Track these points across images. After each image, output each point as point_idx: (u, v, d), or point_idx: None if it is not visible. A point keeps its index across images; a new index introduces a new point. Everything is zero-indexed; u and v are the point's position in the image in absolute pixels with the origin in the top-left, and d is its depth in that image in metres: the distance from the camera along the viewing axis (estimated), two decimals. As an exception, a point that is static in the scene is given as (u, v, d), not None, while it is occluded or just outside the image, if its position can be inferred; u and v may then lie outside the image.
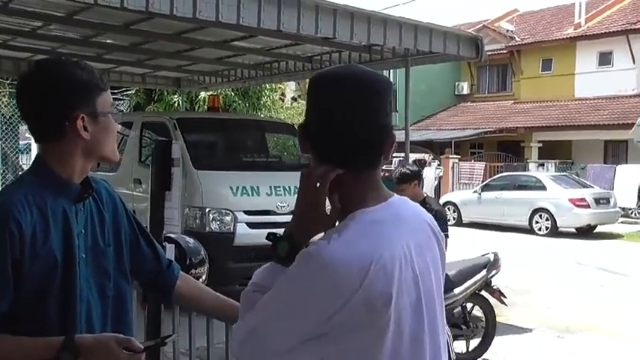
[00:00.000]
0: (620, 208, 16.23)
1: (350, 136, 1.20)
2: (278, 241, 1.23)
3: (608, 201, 15.55)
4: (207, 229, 6.09)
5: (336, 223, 1.23)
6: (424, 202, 4.86)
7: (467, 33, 7.05)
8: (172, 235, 2.49)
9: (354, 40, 6.19)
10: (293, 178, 6.77)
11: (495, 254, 5.52)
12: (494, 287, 5.46)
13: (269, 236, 1.25)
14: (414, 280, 1.20)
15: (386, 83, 1.25)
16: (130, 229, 1.71)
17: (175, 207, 2.19)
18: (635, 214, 16.93)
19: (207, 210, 6.12)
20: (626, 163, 19.76)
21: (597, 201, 15.16)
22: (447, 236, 4.74)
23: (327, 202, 1.24)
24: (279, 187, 6.37)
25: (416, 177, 4.87)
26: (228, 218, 6.15)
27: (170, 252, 2.29)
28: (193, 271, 2.40)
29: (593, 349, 5.98)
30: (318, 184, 1.21)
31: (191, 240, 2.48)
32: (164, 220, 2.26)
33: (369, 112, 1.21)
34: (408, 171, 4.82)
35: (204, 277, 2.42)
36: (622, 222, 16.28)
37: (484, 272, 5.32)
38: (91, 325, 1.55)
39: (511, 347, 5.78)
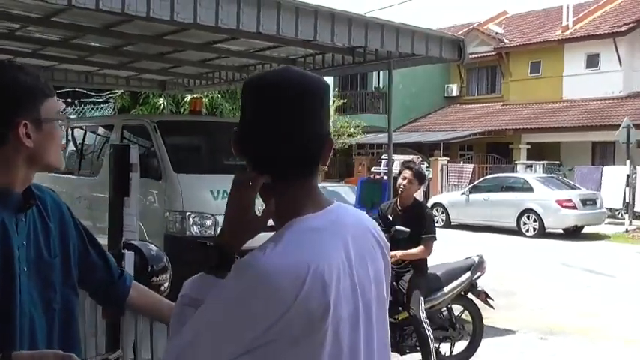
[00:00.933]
0: (606, 209, 16.30)
1: (287, 144, 1.16)
2: (208, 250, 1.19)
3: (594, 202, 15.63)
4: (188, 233, 6.02)
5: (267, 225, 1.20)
6: (418, 203, 5.01)
7: (449, 35, 7.03)
8: (134, 242, 2.44)
9: (334, 42, 6.16)
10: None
11: (480, 256, 5.53)
12: (480, 289, 5.44)
13: (201, 245, 1.21)
14: (352, 291, 1.17)
15: (323, 86, 1.20)
16: (78, 238, 1.66)
17: (133, 213, 2.14)
18: (622, 215, 17.01)
19: (187, 214, 6.05)
20: (614, 164, 19.86)
21: (584, 202, 15.23)
22: (434, 238, 4.87)
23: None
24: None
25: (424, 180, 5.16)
26: (209, 222, 6.09)
27: (129, 259, 2.24)
28: (155, 278, 2.35)
29: (575, 350, 5.97)
30: (248, 190, 1.17)
31: (153, 247, 2.43)
32: (123, 227, 2.20)
33: (307, 118, 1.16)
34: (425, 173, 5.10)
35: (166, 284, 2.37)
36: (609, 223, 16.37)
37: (469, 274, 5.32)
38: (34, 340, 1.49)
39: (493, 349, 5.75)
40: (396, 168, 26.18)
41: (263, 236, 1.20)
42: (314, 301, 1.09)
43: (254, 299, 1.08)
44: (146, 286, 2.38)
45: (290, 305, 1.07)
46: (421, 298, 4.89)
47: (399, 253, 4.82)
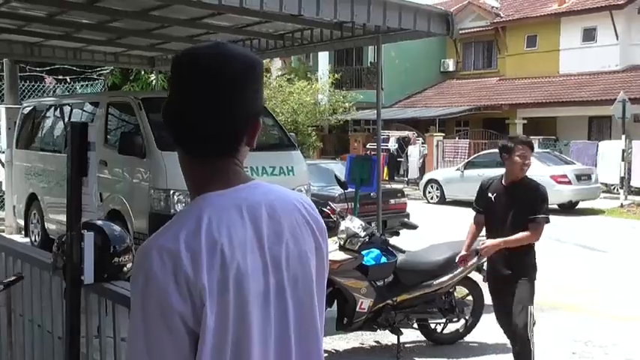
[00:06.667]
0: (602, 184, 16.25)
1: (204, 121, 1.13)
2: None
3: (589, 177, 15.58)
4: (172, 211, 5.97)
5: None
6: (528, 178, 4.23)
7: (437, 9, 6.90)
8: (98, 222, 2.39)
9: (320, 17, 6.04)
10: (262, 158, 6.63)
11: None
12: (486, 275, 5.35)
13: None
14: (263, 268, 1.14)
15: (251, 65, 1.16)
16: None
17: (91, 193, 2.09)
18: (617, 190, 16.98)
19: (171, 192, 6.00)
20: (610, 138, 19.77)
21: (579, 177, 15.18)
22: (546, 220, 4.12)
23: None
24: (247, 167, 6.25)
25: (506, 150, 4.17)
26: (194, 200, 6.02)
27: (89, 239, 2.19)
28: (117, 259, 2.31)
29: (564, 327, 5.97)
30: None
31: (117, 228, 2.38)
32: (82, 207, 2.15)
33: (229, 96, 1.13)
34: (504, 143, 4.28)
35: (129, 265, 2.33)
36: (604, 197, 16.34)
37: (474, 260, 5.17)
38: None
39: (481, 327, 5.73)
40: (392, 144, 25.84)
41: None
42: (207, 278, 1.06)
43: (154, 284, 1.06)
44: (109, 267, 2.34)
45: (188, 284, 1.06)
46: (530, 307, 4.11)
47: (497, 240, 4.11)
